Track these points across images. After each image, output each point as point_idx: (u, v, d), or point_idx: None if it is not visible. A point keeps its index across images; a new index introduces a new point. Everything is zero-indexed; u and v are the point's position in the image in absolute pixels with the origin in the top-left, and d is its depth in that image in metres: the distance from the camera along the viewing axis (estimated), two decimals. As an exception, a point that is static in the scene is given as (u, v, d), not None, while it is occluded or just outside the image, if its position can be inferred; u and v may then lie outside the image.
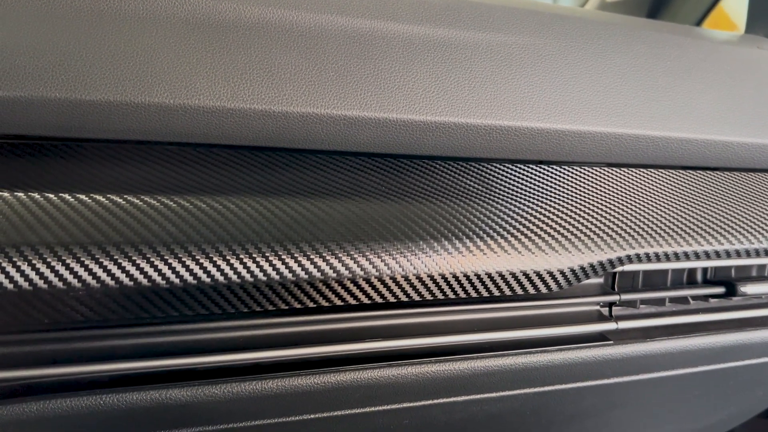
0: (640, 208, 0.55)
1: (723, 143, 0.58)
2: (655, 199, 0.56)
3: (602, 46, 0.55)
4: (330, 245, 0.43)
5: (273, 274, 0.42)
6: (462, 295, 0.47)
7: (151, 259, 0.39)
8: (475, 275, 0.47)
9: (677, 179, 0.60)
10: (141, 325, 0.43)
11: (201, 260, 0.40)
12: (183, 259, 0.40)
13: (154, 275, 0.39)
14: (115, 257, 0.39)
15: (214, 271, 0.40)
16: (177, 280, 0.40)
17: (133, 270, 0.39)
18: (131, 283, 0.39)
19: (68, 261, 0.38)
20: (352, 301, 0.44)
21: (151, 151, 0.46)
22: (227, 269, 0.41)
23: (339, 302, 0.44)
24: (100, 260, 0.39)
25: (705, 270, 0.61)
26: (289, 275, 0.42)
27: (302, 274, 0.42)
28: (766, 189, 0.63)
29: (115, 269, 0.39)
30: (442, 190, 0.50)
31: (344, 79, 0.46)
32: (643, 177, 0.59)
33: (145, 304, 0.40)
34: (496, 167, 0.54)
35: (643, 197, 0.56)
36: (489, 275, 0.47)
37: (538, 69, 0.52)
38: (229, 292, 0.41)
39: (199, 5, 0.44)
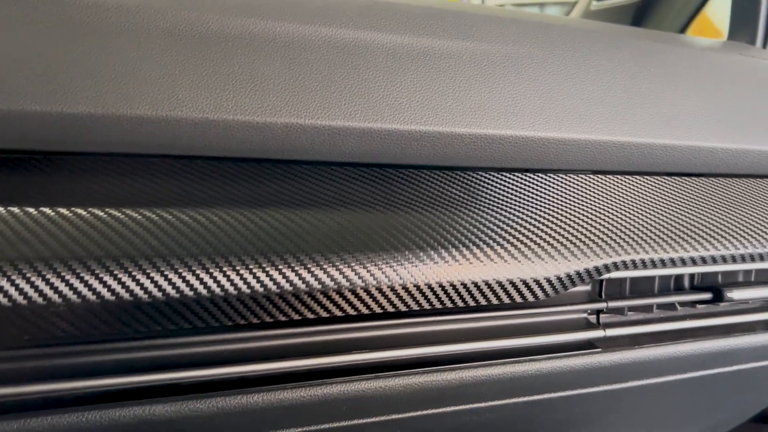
0: (626, 215, 0.55)
1: (707, 149, 0.58)
2: (640, 205, 0.57)
3: (586, 54, 0.56)
4: (315, 257, 0.43)
5: (257, 286, 0.41)
6: (448, 304, 0.47)
7: (133, 273, 0.39)
8: (461, 284, 0.46)
9: (663, 186, 0.60)
10: (123, 340, 0.43)
11: (184, 274, 0.40)
12: (165, 273, 0.40)
13: (136, 289, 0.39)
14: (97, 272, 0.38)
15: (197, 284, 0.40)
16: (159, 294, 0.39)
17: (114, 284, 0.39)
18: (113, 297, 0.39)
19: (49, 276, 0.38)
20: (338, 313, 0.44)
21: (133, 164, 0.45)
22: (211, 283, 0.40)
23: (324, 314, 0.44)
24: (81, 275, 0.38)
25: (692, 276, 0.61)
26: (274, 288, 0.42)
27: (287, 286, 0.42)
28: (750, 194, 0.63)
29: (96, 284, 0.38)
30: (427, 200, 0.50)
31: (328, 89, 0.46)
32: (629, 184, 0.59)
33: (127, 318, 0.39)
34: (481, 176, 0.54)
35: (628, 204, 0.56)
36: (475, 284, 0.47)
37: (522, 77, 0.52)
38: (212, 306, 0.41)
39: (181, 16, 0.44)
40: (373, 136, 0.47)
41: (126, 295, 0.39)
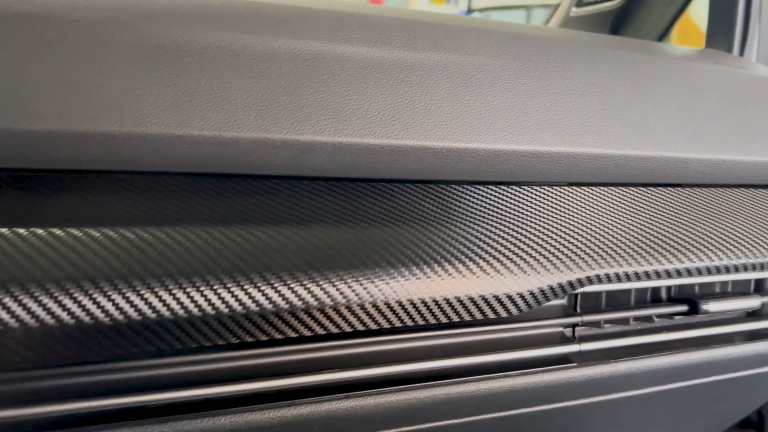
0: (601, 228, 0.54)
1: (681, 160, 0.58)
2: (616, 217, 0.56)
3: (560, 65, 0.55)
4: (281, 275, 0.42)
5: (222, 307, 0.40)
6: (420, 322, 0.46)
7: (93, 295, 0.38)
8: (433, 301, 0.46)
9: (638, 197, 0.60)
10: (85, 364, 0.42)
11: (146, 295, 0.39)
12: (127, 294, 0.39)
13: (97, 312, 0.38)
14: (55, 294, 0.37)
15: (159, 306, 0.39)
16: (121, 317, 0.38)
17: (73, 307, 0.38)
18: (72, 321, 0.38)
19: (5, 300, 0.36)
20: (307, 333, 0.43)
21: (98, 181, 0.44)
22: (173, 304, 0.39)
23: (292, 334, 0.43)
24: (39, 298, 0.37)
25: (669, 287, 0.61)
26: (239, 308, 0.41)
27: (253, 306, 0.41)
28: (726, 204, 0.63)
29: (54, 307, 0.37)
30: (399, 215, 0.49)
31: (297, 103, 0.45)
32: (604, 196, 0.58)
33: (88, 342, 0.38)
34: (455, 189, 0.53)
35: (604, 216, 0.56)
36: (447, 301, 0.46)
37: (495, 90, 0.51)
38: (176, 328, 0.40)
39: (146, 30, 0.43)
40: (343, 151, 0.46)
41: (85, 318, 0.38)
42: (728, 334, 0.61)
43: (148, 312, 0.39)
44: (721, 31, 0.92)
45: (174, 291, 0.39)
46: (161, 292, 0.39)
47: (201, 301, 0.40)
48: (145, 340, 0.40)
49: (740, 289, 0.64)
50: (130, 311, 0.39)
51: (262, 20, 0.47)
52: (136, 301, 0.39)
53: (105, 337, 0.39)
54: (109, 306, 0.38)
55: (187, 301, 0.40)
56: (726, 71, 0.66)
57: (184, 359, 0.44)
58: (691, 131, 0.59)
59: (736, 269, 0.57)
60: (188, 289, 0.40)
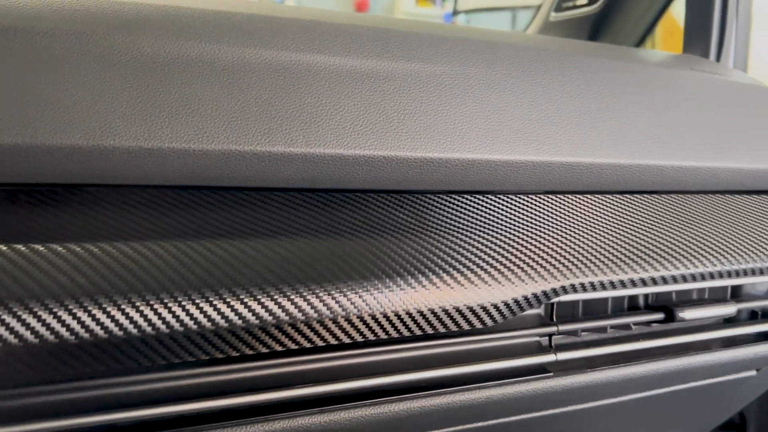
0: (577, 236, 0.54)
1: (657, 167, 0.58)
2: (591, 226, 0.56)
3: (534, 73, 0.55)
4: (251, 289, 0.42)
5: (190, 323, 0.40)
6: (394, 334, 0.46)
7: (58, 313, 0.37)
8: (407, 314, 0.45)
9: (614, 205, 0.60)
10: (53, 383, 0.41)
11: (112, 312, 0.38)
12: (93, 312, 0.38)
13: (62, 330, 0.37)
14: (18, 313, 0.37)
15: (127, 324, 0.38)
16: (87, 335, 0.38)
17: (38, 326, 0.37)
18: (36, 340, 0.37)
19: None
20: (278, 347, 0.43)
21: (67, 195, 0.44)
22: (141, 321, 0.39)
23: (264, 349, 0.42)
24: (2, 317, 0.36)
25: (646, 295, 0.61)
26: (208, 324, 0.40)
27: (222, 322, 0.40)
28: (702, 211, 0.63)
29: (18, 326, 0.36)
30: (373, 225, 0.49)
31: (268, 114, 0.45)
32: (580, 204, 0.58)
33: (54, 362, 0.38)
34: (429, 199, 0.53)
35: (579, 224, 0.56)
36: (422, 313, 0.46)
37: (469, 99, 0.51)
38: (143, 345, 0.39)
39: (114, 41, 0.42)
40: (316, 162, 0.46)
41: (50, 337, 0.37)
42: (705, 341, 0.61)
43: (130, 327, 0.38)
44: (698, 36, 0.92)
45: (142, 308, 0.39)
46: (141, 307, 0.39)
47: (169, 318, 0.39)
48: (131, 356, 0.39)
49: (717, 296, 0.64)
50: (112, 327, 0.38)
51: (232, 30, 0.47)
52: (118, 316, 0.38)
53: (93, 353, 0.38)
54: (89, 321, 0.37)
55: (155, 319, 0.39)
56: (701, 77, 0.67)
57: (172, 374, 0.43)
58: (666, 138, 0.59)
59: (712, 276, 0.57)
60: (155, 306, 0.39)
